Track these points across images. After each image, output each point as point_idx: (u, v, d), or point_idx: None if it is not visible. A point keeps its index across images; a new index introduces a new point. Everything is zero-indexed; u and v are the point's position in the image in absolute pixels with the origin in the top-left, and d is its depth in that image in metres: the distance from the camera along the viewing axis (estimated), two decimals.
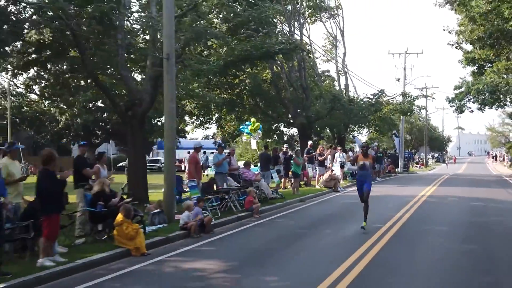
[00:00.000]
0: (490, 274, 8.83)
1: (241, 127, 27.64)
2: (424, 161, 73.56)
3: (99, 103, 42.41)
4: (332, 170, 25.36)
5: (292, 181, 23.53)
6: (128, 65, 19.40)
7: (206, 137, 42.84)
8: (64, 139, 61.88)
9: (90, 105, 41.86)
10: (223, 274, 8.88)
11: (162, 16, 14.51)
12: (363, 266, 9.22)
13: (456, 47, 23.59)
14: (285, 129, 42.69)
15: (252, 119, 25.82)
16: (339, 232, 12.94)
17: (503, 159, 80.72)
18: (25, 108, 50.72)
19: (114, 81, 19.93)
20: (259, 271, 9.04)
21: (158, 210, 13.16)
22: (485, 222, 14.94)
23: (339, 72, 43.27)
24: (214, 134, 43.91)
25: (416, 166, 64.70)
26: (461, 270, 9.10)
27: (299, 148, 25.96)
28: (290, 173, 23.98)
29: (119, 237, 10.32)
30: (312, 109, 33.49)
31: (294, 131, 44.04)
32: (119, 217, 10.47)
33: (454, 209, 17.96)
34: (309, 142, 27.82)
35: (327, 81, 45.07)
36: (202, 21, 16.32)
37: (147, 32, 18.31)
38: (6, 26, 15.21)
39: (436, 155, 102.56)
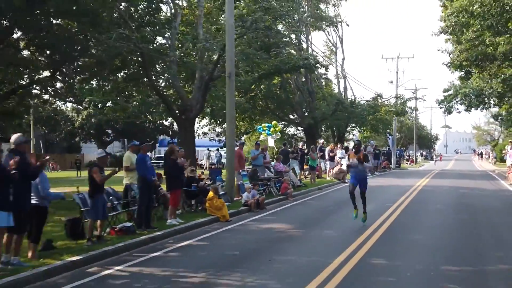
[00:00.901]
0: (475, 231, 12.97)
1: (259, 127, 31.63)
2: (414, 158, 77.88)
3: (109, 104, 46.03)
4: (341, 165, 29.52)
5: (306, 174, 27.75)
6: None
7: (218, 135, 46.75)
8: (77, 138, 65.63)
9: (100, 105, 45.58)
10: (294, 230, 12.98)
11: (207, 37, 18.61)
12: (388, 226, 13.36)
13: (448, 66, 27.78)
14: (290, 129, 46.83)
15: (274, 122, 29.79)
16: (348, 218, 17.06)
17: (489, 157, 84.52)
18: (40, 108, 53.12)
19: (171, 91, 23.84)
20: (318, 228, 13.14)
21: (223, 192, 17.17)
22: (471, 202, 19.15)
23: (338, 76, 47.57)
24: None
25: (406, 163, 68.93)
26: (454, 229, 13.24)
27: (313, 145, 29.94)
28: (305, 166, 28.12)
29: (211, 208, 14.38)
30: (318, 111, 37.69)
31: (293, 130, 48.50)
32: (210, 194, 14.54)
33: (446, 194, 22.17)
34: (321, 140, 32.04)
35: (328, 84, 49.23)
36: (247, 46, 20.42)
37: (194, 50, 22.20)
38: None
39: (424, 152, 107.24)
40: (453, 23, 20.68)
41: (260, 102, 38.04)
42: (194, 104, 21.67)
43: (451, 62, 26.01)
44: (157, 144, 68.37)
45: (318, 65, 26.37)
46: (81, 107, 53.32)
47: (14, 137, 9.04)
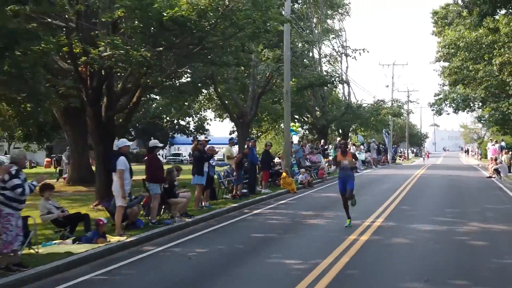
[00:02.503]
0: (459, 196, 20.10)
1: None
2: (406, 154, 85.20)
3: None
4: None
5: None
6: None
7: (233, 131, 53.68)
8: None
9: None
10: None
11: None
12: (399, 200, 20.43)
13: (442, 85, 35.28)
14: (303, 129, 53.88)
15: (292, 124, 36.76)
16: (379, 188, 24.12)
17: (475, 154, 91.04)
18: None
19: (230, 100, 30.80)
20: (359, 194, 20.18)
21: None
22: (457, 183, 26.28)
23: (343, 83, 54.61)
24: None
25: (399, 159, 76.15)
26: (446, 200, 20.33)
27: (336, 142, 36.93)
28: (325, 159, 35.16)
29: (284, 183, 21.36)
30: (329, 114, 44.76)
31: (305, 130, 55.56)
32: (284, 174, 21.55)
33: (440, 180, 29.25)
34: (338, 139, 39.04)
35: (334, 90, 56.31)
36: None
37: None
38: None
39: (415, 150, 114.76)
40: (445, 53, 27.86)
41: (279, 105, 44.98)
42: (248, 111, 28.59)
43: (442, 72, 33.29)
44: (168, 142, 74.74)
45: (343, 80, 33.50)
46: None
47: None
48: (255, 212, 15.95)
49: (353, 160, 13.36)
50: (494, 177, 28.39)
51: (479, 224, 13.26)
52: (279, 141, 51.67)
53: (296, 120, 46.71)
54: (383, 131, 62.36)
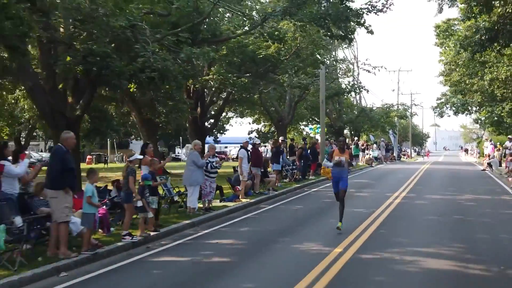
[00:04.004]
0: (459, 181, 26.59)
1: (310, 127, 45.09)
2: (410, 153, 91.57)
3: None
4: (370, 155, 43.18)
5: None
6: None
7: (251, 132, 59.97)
8: (132, 136, 78.81)
9: None
10: (372, 180, 26.50)
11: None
12: (414, 183, 26.91)
13: (444, 94, 42.01)
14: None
15: (315, 125, 43.27)
16: (396, 176, 30.59)
17: (474, 153, 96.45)
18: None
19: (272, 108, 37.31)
20: (383, 178, 26.68)
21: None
22: (457, 174, 32.80)
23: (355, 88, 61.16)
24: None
25: (403, 158, 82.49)
26: (448, 183, 26.81)
27: (356, 139, 43.36)
28: None
29: (324, 172, 27.83)
30: (344, 117, 51.29)
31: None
32: (323, 167, 28.03)
33: (443, 172, 35.76)
34: (355, 138, 45.57)
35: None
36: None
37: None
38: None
39: (417, 149, 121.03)
40: (447, 69, 34.43)
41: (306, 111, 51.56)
42: (286, 116, 35.10)
43: (445, 93, 40.04)
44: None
45: (360, 89, 40.15)
46: None
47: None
48: (313, 190, 22.44)
49: (349, 158, 12.98)
50: (487, 170, 34.86)
51: (471, 195, 19.75)
52: (298, 138, 58.53)
53: (317, 122, 53.22)
54: (390, 131, 68.88)
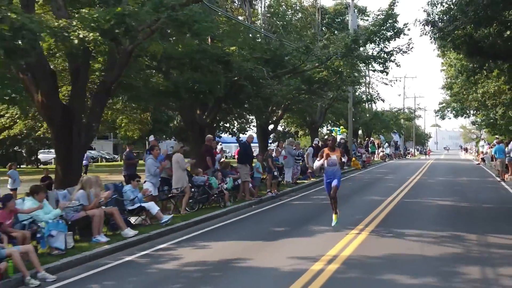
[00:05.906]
0: (458, 171, 34.81)
1: (332, 129, 53.10)
2: (413, 151, 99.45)
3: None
4: (383, 151, 51.39)
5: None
6: None
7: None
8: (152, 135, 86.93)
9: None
10: (387, 171, 34.69)
11: None
12: (424, 172, 35.12)
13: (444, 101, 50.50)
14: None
15: (341, 127, 51.29)
16: (408, 168, 38.72)
17: (472, 152, 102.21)
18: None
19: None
20: (397, 171, 34.87)
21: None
22: (457, 168, 41.00)
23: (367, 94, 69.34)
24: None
25: (408, 156, 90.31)
26: (449, 172, 35.04)
27: (372, 138, 51.53)
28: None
29: (353, 164, 36.03)
30: (361, 120, 59.44)
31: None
32: (353, 158, 36.24)
33: (445, 166, 43.90)
34: (371, 139, 53.78)
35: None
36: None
37: None
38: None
39: (419, 148, 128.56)
40: (448, 82, 42.62)
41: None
42: (317, 120, 43.20)
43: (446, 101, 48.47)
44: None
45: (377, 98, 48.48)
46: None
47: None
48: (351, 175, 30.61)
49: (341, 156, 12.55)
50: (481, 164, 43.08)
51: (467, 178, 27.98)
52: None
53: (334, 124, 61.26)
54: (396, 133, 77.07)
